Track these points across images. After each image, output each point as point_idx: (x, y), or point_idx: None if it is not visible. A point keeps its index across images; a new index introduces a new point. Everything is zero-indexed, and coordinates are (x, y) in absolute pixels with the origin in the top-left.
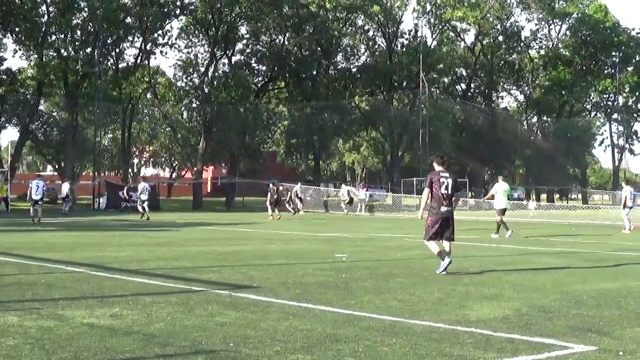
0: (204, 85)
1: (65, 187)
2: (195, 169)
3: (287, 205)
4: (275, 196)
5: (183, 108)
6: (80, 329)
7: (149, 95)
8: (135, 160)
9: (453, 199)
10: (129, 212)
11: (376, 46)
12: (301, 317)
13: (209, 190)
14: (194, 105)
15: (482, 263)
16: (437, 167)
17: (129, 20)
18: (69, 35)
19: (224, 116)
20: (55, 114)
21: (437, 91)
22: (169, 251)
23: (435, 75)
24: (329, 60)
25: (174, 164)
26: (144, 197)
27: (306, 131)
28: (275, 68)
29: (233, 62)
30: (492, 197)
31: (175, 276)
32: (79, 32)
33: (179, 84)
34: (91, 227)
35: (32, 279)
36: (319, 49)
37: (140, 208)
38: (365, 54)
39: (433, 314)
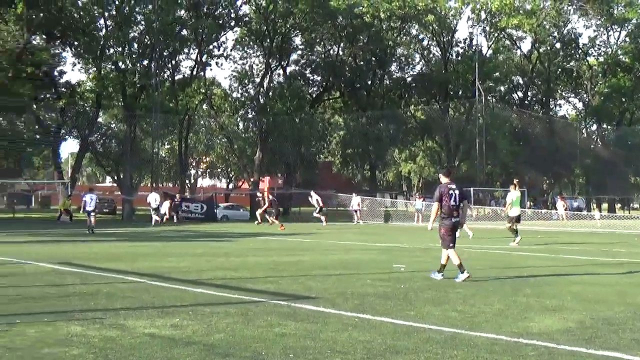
0: (260, 96)
1: (153, 198)
2: (251, 179)
3: (315, 214)
4: (278, 207)
5: (239, 119)
6: (142, 339)
7: (205, 107)
8: (192, 171)
9: (461, 208)
10: (185, 222)
11: (431, 55)
12: (360, 328)
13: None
14: (249, 116)
15: (542, 273)
16: (444, 180)
17: (184, 32)
18: (126, 48)
19: (279, 127)
20: (113, 125)
21: (494, 100)
22: (227, 261)
23: (491, 84)
24: (383, 69)
25: (231, 175)
26: (154, 205)
27: (362, 141)
28: (330, 78)
29: (288, 73)
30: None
31: (234, 286)
32: (136, 45)
33: (234, 95)
34: (151, 238)
35: (94, 289)
36: (373, 58)
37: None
38: (420, 63)
39: (494, 326)
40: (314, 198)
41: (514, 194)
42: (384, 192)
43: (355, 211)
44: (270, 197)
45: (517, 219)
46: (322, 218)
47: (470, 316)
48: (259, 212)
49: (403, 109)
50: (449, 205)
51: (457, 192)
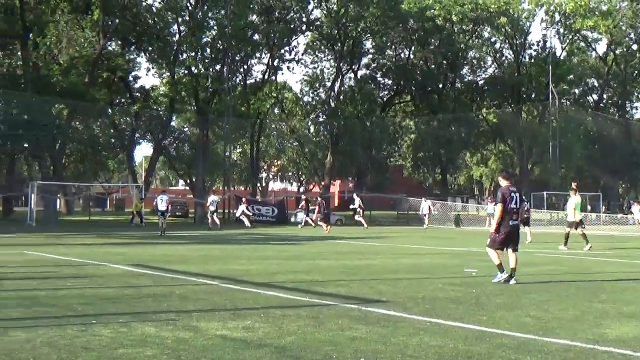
0: (331, 100)
1: (211, 200)
2: (322, 182)
3: (355, 217)
4: (325, 210)
5: (310, 122)
6: (214, 340)
7: (276, 110)
8: (264, 175)
9: (520, 211)
10: (257, 225)
11: (503, 58)
12: (432, 333)
13: (336, 204)
14: (320, 119)
15: (618, 279)
16: (505, 183)
17: (256, 37)
18: (199, 53)
19: (350, 130)
20: (186, 129)
21: (568, 102)
22: (298, 264)
23: (565, 87)
24: (455, 72)
25: (302, 178)
26: (212, 208)
27: (433, 144)
28: (401, 81)
29: (359, 77)
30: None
31: (305, 289)
32: (208, 50)
33: (305, 98)
34: (222, 240)
35: (167, 291)
36: (444, 61)
37: (209, 219)
38: (492, 65)
39: (569, 332)
40: (357, 202)
41: (575, 199)
42: (455, 195)
43: (425, 215)
44: (319, 199)
45: (578, 225)
46: (363, 221)
47: (544, 322)
48: (311, 217)
49: (475, 112)
50: (510, 207)
51: (517, 195)
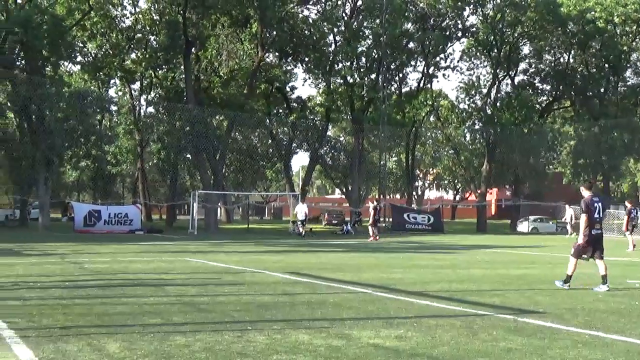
0: (487, 107)
1: (301, 209)
2: (478, 191)
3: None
4: (376, 217)
5: (466, 130)
6: (367, 349)
7: (431, 118)
8: (419, 183)
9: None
10: (413, 233)
11: None
12: (591, 346)
13: (493, 213)
14: (476, 127)
15: None
16: (587, 193)
17: (411, 45)
18: (354, 63)
19: (507, 137)
20: (342, 138)
21: None
22: (452, 274)
23: None
24: (617, 76)
25: (457, 186)
26: (301, 217)
27: (594, 151)
28: (560, 87)
29: (516, 82)
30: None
31: (458, 299)
32: (363, 59)
33: (461, 106)
34: (376, 249)
35: (321, 299)
36: (606, 65)
37: (300, 228)
38: None
39: None
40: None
41: None
42: (618, 203)
43: (567, 223)
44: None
45: None
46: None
47: None
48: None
49: (639, 117)
50: (593, 217)
51: (599, 204)
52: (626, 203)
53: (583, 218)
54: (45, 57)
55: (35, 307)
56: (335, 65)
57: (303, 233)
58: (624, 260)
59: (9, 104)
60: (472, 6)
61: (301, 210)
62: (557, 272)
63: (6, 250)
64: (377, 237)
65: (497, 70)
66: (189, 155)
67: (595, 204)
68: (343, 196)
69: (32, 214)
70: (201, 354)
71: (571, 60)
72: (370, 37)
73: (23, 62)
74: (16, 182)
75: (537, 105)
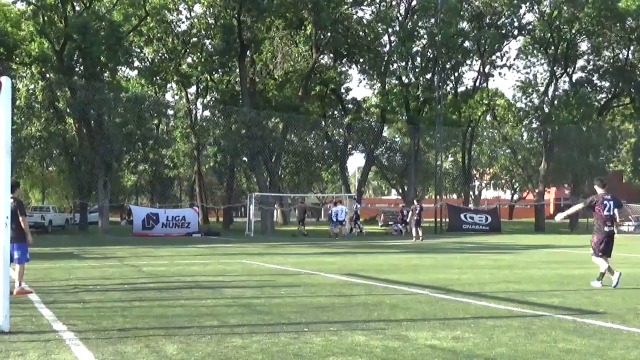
0: (544, 105)
1: (339, 209)
2: (536, 190)
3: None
4: (416, 217)
5: (523, 129)
6: (423, 350)
7: (488, 118)
8: (476, 183)
9: (617, 214)
10: (468, 234)
11: None
12: None
13: (551, 212)
14: (534, 125)
15: None
16: (600, 190)
17: (467, 44)
18: (409, 63)
19: (565, 136)
20: (397, 139)
21: None
22: (510, 274)
23: None
24: None
25: (515, 186)
26: (341, 218)
27: None
28: (619, 83)
29: (574, 80)
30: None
31: (517, 300)
32: (418, 59)
33: (518, 104)
34: (433, 249)
35: (377, 300)
36: None
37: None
38: None
39: None
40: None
41: None
42: None
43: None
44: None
45: None
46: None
47: None
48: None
49: None
50: (603, 215)
51: (611, 202)
52: None
53: (578, 205)
54: (103, 62)
55: (94, 310)
56: (390, 66)
57: (343, 232)
58: None
59: (68, 110)
60: (528, 3)
61: (339, 210)
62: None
63: (67, 253)
64: (421, 238)
65: (555, 68)
66: (245, 158)
67: (605, 202)
68: (399, 197)
69: (89, 218)
70: (258, 355)
71: (630, 56)
72: (425, 36)
73: (81, 68)
74: (76, 187)
75: (596, 103)
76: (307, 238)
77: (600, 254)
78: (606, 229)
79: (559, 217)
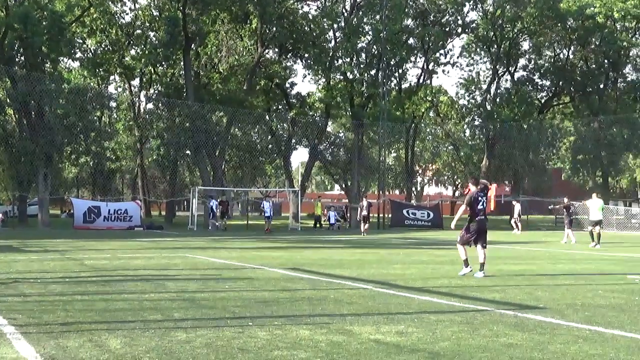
0: (486, 103)
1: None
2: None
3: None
4: (364, 213)
5: (465, 126)
6: (367, 344)
7: (431, 114)
8: (419, 179)
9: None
10: (410, 229)
11: None
12: (591, 341)
13: (492, 209)
14: (476, 123)
15: None
16: (474, 188)
17: (411, 41)
18: (354, 59)
19: (507, 133)
20: (341, 134)
21: None
22: (452, 269)
23: None
24: (617, 72)
25: (457, 182)
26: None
27: (593, 147)
28: (560, 82)
29: (515, 79)
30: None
31: (459, 295)
32: (363, 55)
33: (461, 102)
34: (377, 245)
35: (321, 294)
36: (606, 61)
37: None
38: None
39: None
40: (517, 209)
41: (596, 201)
42: (617, 199)
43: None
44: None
45: (596, 223)
46: (515, 226)
47: None
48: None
49: (638, 112)
50: (476, 209)
51: (484, 198)
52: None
53: (462, 208)
54: (45, 53)
55: (35, 304)
56: (335, 62)
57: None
58: (624, 256)
59: (8, 101)
60: (472, 2)
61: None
62: (558, 268)
63: (6, 247)
64: (364, 233)
65: (497, 66)
66: (188, 152)
67: (479, 198)
68: (342, 192)
69: (29, 211)
70: (202, 349)
71: (571, 56)
72: (370, 33)
73: (22, 58)
74: (15, 179)
75: (537, 101)
76: (251, 233)
77: (465, 242)
78: (477, 218)
79: (453, 224)
